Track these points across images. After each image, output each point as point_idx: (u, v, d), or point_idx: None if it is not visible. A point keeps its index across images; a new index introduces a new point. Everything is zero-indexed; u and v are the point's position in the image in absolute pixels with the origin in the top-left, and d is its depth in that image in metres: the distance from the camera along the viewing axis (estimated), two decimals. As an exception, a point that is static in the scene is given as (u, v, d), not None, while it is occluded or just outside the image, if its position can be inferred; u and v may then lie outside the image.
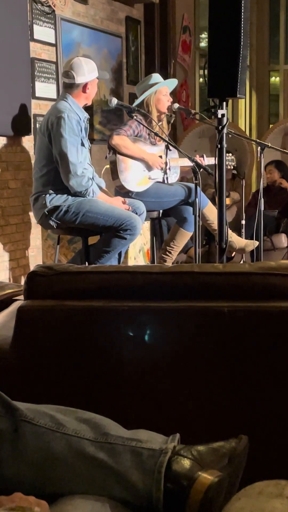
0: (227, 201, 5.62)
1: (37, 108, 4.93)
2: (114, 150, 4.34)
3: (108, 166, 4.42)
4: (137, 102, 4.54)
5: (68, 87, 4.03)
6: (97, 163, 5.25)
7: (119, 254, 4.12)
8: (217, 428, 1.53)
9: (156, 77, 4.62)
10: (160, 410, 1.57)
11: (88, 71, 4.01)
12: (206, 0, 3.29)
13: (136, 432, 1.31)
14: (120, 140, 4.31)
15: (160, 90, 4.50)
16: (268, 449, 1.54)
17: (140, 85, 4.65)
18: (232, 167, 4.83)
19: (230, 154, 4.76)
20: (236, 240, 4.57)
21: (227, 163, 4.61)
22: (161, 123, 4.53)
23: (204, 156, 4.56)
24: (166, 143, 4.32)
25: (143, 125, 4.26)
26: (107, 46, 5.94)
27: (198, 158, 4.38)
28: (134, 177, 4.38)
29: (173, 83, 4.74)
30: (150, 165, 4.40)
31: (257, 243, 4.50)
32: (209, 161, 4.48)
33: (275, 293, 1.55)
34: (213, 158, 4.48)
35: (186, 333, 1.56)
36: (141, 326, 1.57)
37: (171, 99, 4.61)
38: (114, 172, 4.35)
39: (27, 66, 4.74)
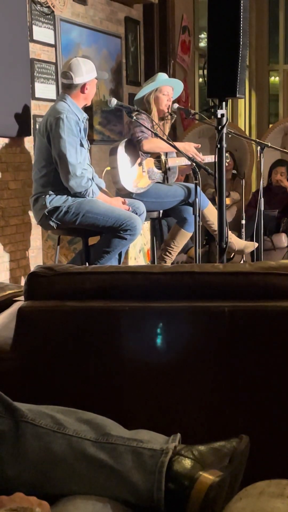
0: (227, 201, 5.62)
1: (37, 109, 4.93)
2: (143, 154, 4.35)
3: (108, 168, 4.41)
4: (136, 97, 4.55)
5: (67, 87, 4.03)
6: (97, 164, 5.26)
7: (119, 255, 4.12)
8: (218, 428, 1.53)
9: (161, 76, 4.61)
10: (161, 410, 1.57)
11: (86, 72, 4.01)
12: (205, 0, 3.28)
13: (137, 432, 1.31)
14: (151, 143, 4.31)
15: (161, 89, 4.49)
16: (269, 448, 1.54)
17: (145, 83, 4.66)
18: (227, 164, 4.82)
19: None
20: (235, 241, 4.57)
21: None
22: (162, 122, 4.53)
23: (201, 154, 4.55)
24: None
25: (144, 125, 4.26)
26: (107, 47, 5.94)
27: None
28: (134, 178, 4.38)
29: (178, 84, 4.68)
30: (186, 152, 4.37)
31: (256, 244, 4.49)
32: (206, 159, 4.47)
33: (275, 292, 1.55)
34: (209, 156, 4.50)
35: (187, 333, 1.56)
36: (142, 327, 1.57)
37: (171, 100, 4.60)
38: (114, 174, 4.35)
39: (27, 67, 4.74)
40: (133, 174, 4.38)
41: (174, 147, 4.17)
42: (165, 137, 4.27)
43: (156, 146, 4.31)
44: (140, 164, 4.41)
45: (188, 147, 4.42)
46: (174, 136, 6.81)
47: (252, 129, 8.89)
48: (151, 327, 1.57)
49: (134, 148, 4.38)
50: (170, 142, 4.14)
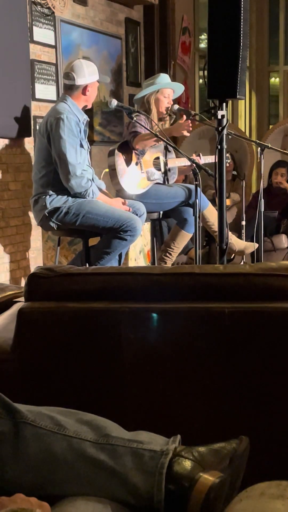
0: (227, 202, 5.62)
1: (37, 110, 4.93)
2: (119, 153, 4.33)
3: (107, 170, 4.41)
4: (137, 97, 4.55)
5: (68, 88, 4.03)
6: (97, 165, 5.25)
7: (120, 256, 4.12)
8: (218, 429, 1.53)
9: (163, 77, 4.61)
10: (161, 412, 1.57)
11: (88, 73, 4.01)
12: (205, 1, 3.29)
13: (137, 433, 1.31)
14: (139, 139, 4.27)
15: (162, 91, 4.49)
16: (269, 450, 1.54)
17: (146, 82, 4.65)
18: (227, 165, 4.82)
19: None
20: (235, 242, 4.56)
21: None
22: (161, 123, 4.52)
23: (201, 154, 4.55)
24: (165, 144, 4.31)
25: (143, 126, 4.26)
26: (107, 48, 5.94)
27: (194, 157, 4.36)
28: (133, 179, 4.38)
29: (179, 87, 4.68)
30: (179, 131, 4.31)
31: (256, 245, 4.49)
32: (205, 159, 4.47)
33: (275, 294, 1.55)
34: (209, 156, 4.50)
35: (187, 334, 1.56)
36: (142, 328, 1.57)
37: (172, 102, 4.59)
38: (113, 176, 4.35)
39: (27, 68, 4.74)
40: (132, 175, 4.38)
41: (174, 147, 4.18)
42: (164, 138, 4.26)
43: (143, 142, 4.26)
44: (137, 163, 4.40)
45: (177, 127, 4.36)
46: (174, 137, 6.80)
47: (252, 130, 8.90)
48: (151, 328, 1.57)
49: (131, 149, 4.38)
50: (171, 144, 4.14)
